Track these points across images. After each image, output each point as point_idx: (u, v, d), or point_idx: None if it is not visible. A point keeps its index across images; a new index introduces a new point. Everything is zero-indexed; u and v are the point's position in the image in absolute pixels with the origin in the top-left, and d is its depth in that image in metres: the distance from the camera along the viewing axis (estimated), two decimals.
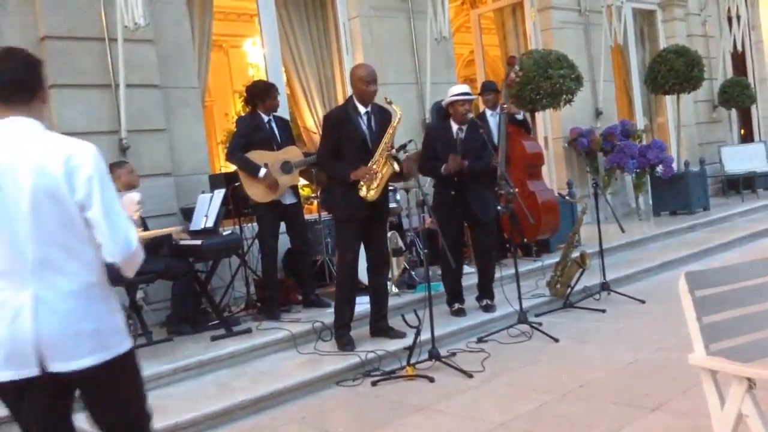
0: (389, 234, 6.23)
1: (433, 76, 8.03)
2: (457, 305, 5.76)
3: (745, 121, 13.69)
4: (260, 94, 5.87)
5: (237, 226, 6.11)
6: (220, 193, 5.40)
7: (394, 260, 6.24)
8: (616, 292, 6.28)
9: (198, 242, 5.16)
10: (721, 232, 8.85)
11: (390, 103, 5.15)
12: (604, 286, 6.32)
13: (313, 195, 7.28)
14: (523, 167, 7.23)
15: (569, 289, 6.12)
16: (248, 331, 5.28)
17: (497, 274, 5.92)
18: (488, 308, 5.77)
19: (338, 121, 5.09)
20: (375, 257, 5.20)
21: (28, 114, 2.20)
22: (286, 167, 5.75)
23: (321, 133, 5.44)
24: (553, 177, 9.44)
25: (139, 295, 5.43)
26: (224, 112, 12.11)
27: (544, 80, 7.82)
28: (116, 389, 2.26)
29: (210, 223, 5.27)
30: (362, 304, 5.36)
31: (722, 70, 12.24)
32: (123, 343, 2.25)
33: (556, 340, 5.14)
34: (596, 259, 6.47)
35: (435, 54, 8.05)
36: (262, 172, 5.61)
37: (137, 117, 5.97)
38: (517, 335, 5.34)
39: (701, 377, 2.41)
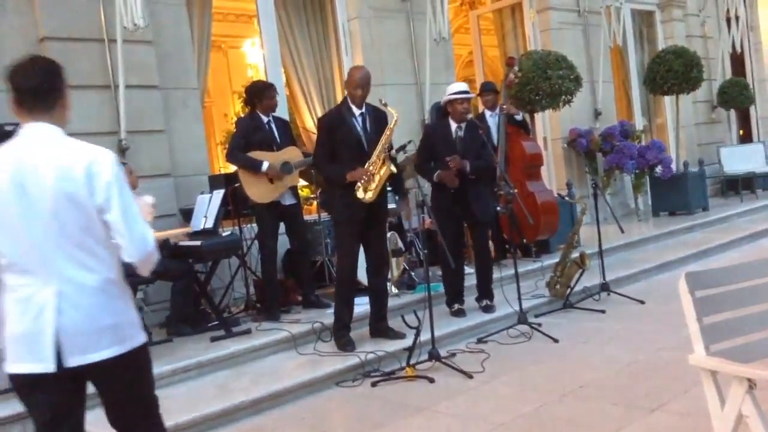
0: (389, 234, 6.23)
1: (432, 77, 8.03)
2: (456, 306, 5.76)
3: (744, 121, 13.70)
4: (258, 93, 5.88)
5: (236, 227, 6.10)
6: (219, 194, 5.40)
7: (393, 261, 6.24)
8: (615, 292, 6.29)
9: (197, 243, 5.15)
10: (720, 233, 8.86)
11: (385, 105, 5.15)
12: (604, 287, 6.33)
13: (312, 196, 7.29)
14: (522, 168, 7.24)
15: (569, 290, 6.12)
16: (248, 331, 5.28)
17: (497, 275, 5.93)
18: (488, 309, 5.77)
19: (332, 123, 5.09)
20: (374, 258, 5.20)
21: (49, 120, 2.30)
22: (286, 168, 5.75)
23: (316, 135, 5.43)
24: (553, 178, 9.45)
25: (139, 296, 5.43)
26: (223, 113, 12.11)
27: (543, 81, 7.83)
28: (131, 380, 2.37)
29: (209, 224, 5.27)
30: (362, 305, 5.36)
31: (721, 70, 12.25)
32: (138, 337, 2.37)
33: (556, 341, 5.14)
34: (596, 259, 6.47)
35: (434, 55, 8.05)
36: (265, 165, 5.61)
37: (136, 118, 5.97)
38: (517, 336, 5.34)
39: (701, 378, 2.41)
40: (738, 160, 11.60)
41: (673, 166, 9.80)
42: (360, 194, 4.93)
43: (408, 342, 4.80)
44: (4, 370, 2.30)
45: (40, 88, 2.30)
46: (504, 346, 5.18)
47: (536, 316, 5.83)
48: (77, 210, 2.22)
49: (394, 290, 6.14)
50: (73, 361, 2.22)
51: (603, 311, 5.87)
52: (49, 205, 2.20)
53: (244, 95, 6.36)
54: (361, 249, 5.20)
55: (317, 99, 7.77)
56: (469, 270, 6.36)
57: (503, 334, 5.37)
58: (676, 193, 9.92)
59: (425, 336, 4.73)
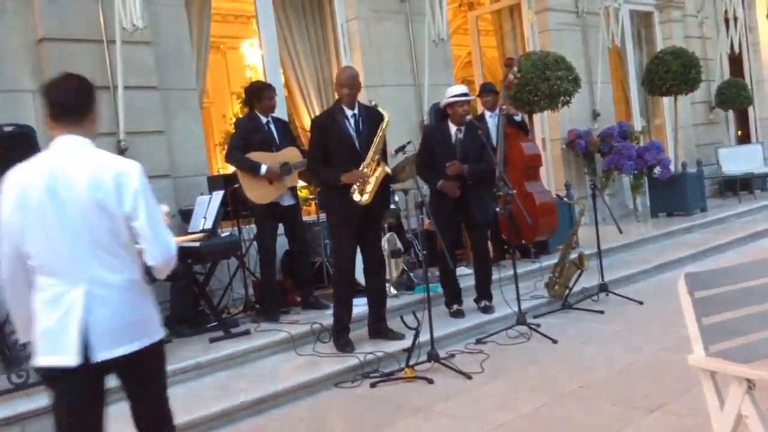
0: (388, 235, 6.24)
1: (431, 78, 8.04)
2: (455, 306, 5.76)
3: (743, 122, 13.71)
4: (256, 94, 5.89)
5: (235, 228, 6.10)
6: (218, 195, 5.39)
7: (392, 262, 6.24)
8: (614, 293, 6.29)
9: (196, 244, 5.15)
10: (719, 234, 8.87)
11: (376, 106, 5.15)
12: (603, 288, 6.33)
13: (311, 196, 7.28)
14: (521, 169, 7.24)
15: (568, 291, 6.13)
16: (247, 332, 5.28)
17: (496, 276, 5.93)
18: (487, 309, 5.77)
19: (324, 124, 5.09)
20: (371, 259, 5.20)
21: (80, 132, 2.50)
22: (285, 168, 5.75)
23: (309, 138, 5.42)
24: (551, 178, 9.46)
25: None
26: (222, 114, 12.11)
27: (542, 82, 7.84)
28: (151, 372, 2.60)
29: (208, 225, 5.27)
30: (361, 306, 5.36)
31: (719, 71, 12.26)
32: (159, 332, 2.59)
33: (555, 342, 5.15)
34: (594, 260, 6.48)
35: (433, 55, 8.05)
36: (264, 168, 5.61)
37: (135, 118, 5.97)
38: (516, 336, 5.34)
39: (700, 378, 2.42)
40: (736, 160, 11.61)
41: (672, 167, 9.81)
42: (356, 197, 4.93)
43: (407, 343, 4.80)
44: (34, 363, 2.47)
45: (72, 104, 2.50)
46: (503, 346, 5.18)
47: (535, 316, 5.83)
48: (106, 216, 2.42)
49: (393, 291, 6.14)
50: (101, 356, 2.39)
51: (602, 312, 5.88)
52: (80, 212, 2.40)
53: (244, 96, 6.35)
54: (359, 250, 5.20)
55: (316, 100, 7.77)
56: (467, 271, 6.37)
57: (502, 335, 5.37)
58: (674, 194, 9.92)
59: (424, 337, 4.73)
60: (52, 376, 2.44)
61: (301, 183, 6.63)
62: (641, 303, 6.03)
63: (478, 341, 5.32)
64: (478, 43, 10.69)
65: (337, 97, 5.23)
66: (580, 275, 6.12)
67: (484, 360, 4.85)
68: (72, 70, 2.67)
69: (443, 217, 5.45)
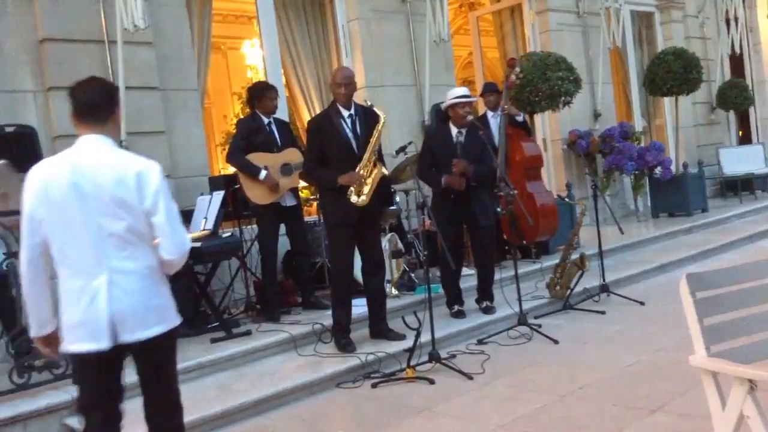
0: (389, 236, 6.24)
1: (432, 78, 8.04)
2: (456, 307, 5.76)
3: (744, 122, 13.71)
4: (258, 94, 5.89)
5: (236, 228, 6.10)
6: (219, 195, 5.39)
7: (393, 262, 6.24)
8: (615, 293, 6.29)
9: (197, 244, 5.15)
10: (720, 234, 8.87)
11: (371, 106, 5.15)
12: (604, 288, 6.33)
13: (312, 197, 7.28)
14: (522, 169, 7.24)
15: (569, 291, 6.12)
16: (248, 333, 5.28)
17: (497, 276, 5.93)
18: (488, 310, 5.77)
19: (321, 126, 5.09)
20: (370, 260, 5.20)
21: (102, 132, 2.67)
22: (286, 169, 5.75)
23: (306, 140, 5.41)
24: (552, 179, 9.46)
25: None
26: (223, 114, 12.11)
27: (543, 82, 7.83)
28: (166, 355, 2.78)
29: (209, 225, 5.27)
30: (361, 307, 5.35)
31: (720, 71, 12.26)
32: (175, 318, 2.77)
33: (556, 342, 5.15)
34: (595, 260, 6.48)
35: (434, 56, 8.06)
36: (263, 174, 5.61)
37: (136, 119, 5.97)
38: (517, 337, 5.34)
39: (702, 379, 2.42)
40: (737, 161, 11.61)
41: (673, 168, 9.81)
42: (354, 199, 4.93)
43: (408, 343, 4.80)
44: (65, 349, 2.66)
45: (97, 104, 2.66)
46: (504, 347, 5.18)
47: (536, 317, 5.83)
48: (127, 211, 2.59)
49: (394, 291, 6.15)
50: (125, 339, 2.59)
51: (603, 312, 5.87)
52: (103, 206, 2.56)
53: (246, 96, 6.36)
54: (357, 251, 5.20)
55: (317, 100, 7.77)
56: (469, 271, 6.36)
57: (503, 336, 5.37)
58: (675, 195, 9.93)
59: (425, 337, 4.73)
60: (82, 359, 2.66)
61: (302, 183, 6.63)
62: (642, 303, 6.03)
63: (480, 342, 5.32)
64: (479, 43, 10.69)
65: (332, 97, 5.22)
66: (581, 276, 6.12)
67: (485, 360, 4.84)
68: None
69: (444, 218, 5.45)
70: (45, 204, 2.56)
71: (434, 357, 4.71)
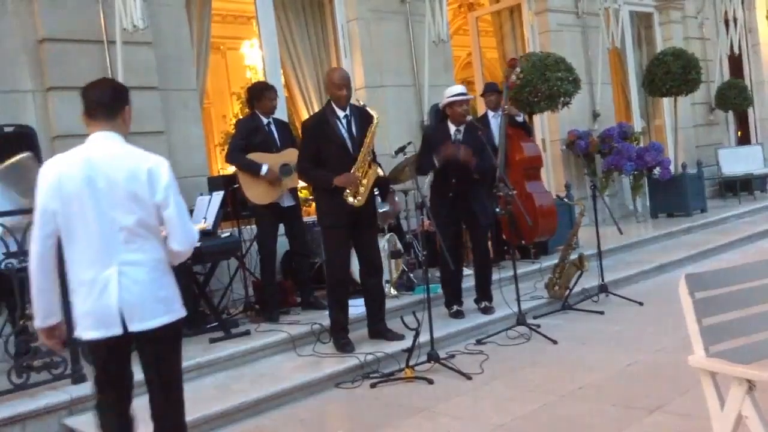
0: (388, 236, 6.24)
1: (431, 79, 8.04)
2: (455, 307, 5.76)
3: (742, 123, 13.72)
4: (257, 94, 5.90)
5: (236, 228, 6.10)
6: (218, 195, 5.40)
7: (392, 262, 6.24)
8: (614, 294, 6.29)
9: (197, 244, 5.14)
10: (719, 234, 8.87)
11: (364, 106, 5.15)
12: (603, 288, 6.34)
13: (311, 197, 7.27)
14: (521, 169, 7.24)
15: (567, 291, 6.13)
16: (247, 333, 5.28)
17: (495, 276, 5.93)
18: (487, 310, 5.77)
19: (316, 126, 5.08)
20: (367, 261, 5.19)
21: (112, 129, 2.81)
22: (285, 169, 5.75)
23: (300, 140, 5.41)
24: (551, 179, 9.46)
25: None
26: (222, 114, 12.11)
27: (542, 83, 7.83)
28: (171, 345, 2.86)
29: (209, 225, 5.27)
30: (359, 307, 5.36)
31: (719, 72, 12.27)
32: (181, 310, 2.86)
33: (555, 342, 5.15)
34: (594, 260, 6.48)
35: (433, 56, 8.06)
36: (264, 168, 5.61)
37: (135, 119, 5.80)
38: (516, 337, 5.34)
39: (701, 379, 2.42)
40: (736, 161, 11.62)
41: (672, 168, 9.81)
42: (350, 200, 4.93)
43: (407, 343, 4.80)
44: (78, 336, 2.79)
45: (107, 103, 2.81)
46: (503, 347, 5.18)
47: (535, 317, 5.83)
48: (138, 205, 2.70)
49: (393, 292, 6.15)
50: (134, 327, 2.70)
51: (602, 312, 5.88)
52: (115, 200, 2.68)
53: (245, 95, 6.37)
54: (354, 252, 5.20)
55: (316, 100, 7.77)
56: (467, 271, 6.37)
57: (502, 336, 5.37)
58: (674, 195, 9.93)
59: (424, 337, 4.73)
60: (93, 345, 2.79)
61: (301, 184, 6.63)
62: (641, 304, 6.03)
63: (478, 342, 5.32)
64: (478, 43, 10.70)
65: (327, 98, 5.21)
66: (580, 276, 6.12)
67: (484, 361, 4.84)
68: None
69: (443, 217, 5.45)
70: (59, 198, 2.66)
71: (433, 357, 4.71)
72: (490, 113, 7.22)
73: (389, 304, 5.54)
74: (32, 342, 4.15)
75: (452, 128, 5.66)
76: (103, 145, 2.76)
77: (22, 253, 4.16)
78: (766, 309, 2.58)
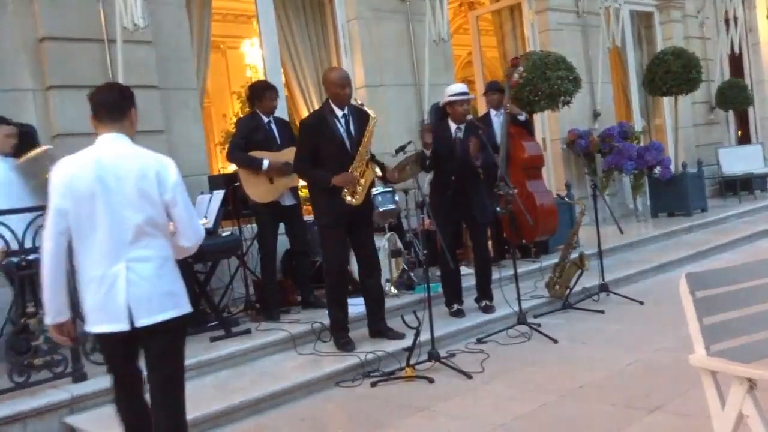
0: (388, 235, 6.24)
1: (432, 78, 8.03)
2: (456, 306, 5.76)
3: (743, 122, 13.72)
4: (257, 94, 5.89)
5: (236, 227, 6.10)
6: (219, 194, 5.39)
7: (393, 261, 6.24)
8: (614, 293, 6.30)
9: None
10: (719, 234, 8.87)
11: (361, 105, 5.15)
12: (603, 287, 6.34)
13: None
14: (522, 168, 7.24)
15: (568, 291, 6.13)
16: (247, 332, 5.28)
17: (496, 275, 5.93)
18: (487, 309, 5.77)
19: (315, 125, 5.07)
20: (365, 261, 5.19)
21: (119, 130, 2.90)
22: (286, 169, 5.74)
23: (298, 139, 5.41)
24: (552, 178, 9.46)
25: None
26: (222, 113, 12.10)
27: (542, 82, 7.83)
28: (176, 341, 2.95)
29: (209, 224, 5.27)
30: (360, 306, 5.35)
31: (720, 71, 12.26)
32: (188, 305, 2.96)
33: (555, 341, 5.15)
34: (595, 260, 6.48)
35: (433, 55, 8.05)
36: (266, 163, 5.61)
37: None
38: (516, 336, 5.34)
39: (701, 378, 2.42)
40: (736, 161, 11.61)
41: (672, 167, 9.81)
42: (348, 199, 4.93)
43: (407, 342, 4.80)
44: (87, 330, 2.89)
45: (114, 105, 2.91)
46: (503, 346, 5.18)
47: (535, 316, 5.84)
48: (147, 203, 2.80)
49: (394, 291, 6.15)
50: (142, 322, 2.78)
51: (602, 312, 5.88)
52: (125, 198, 2.77)
53: (246, 94, 6.37)
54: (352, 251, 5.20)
55: (316, 99, 7.76)
56: (468, 270, 6.37)
57: (503, 335, 5.37)
58: (674, 194, 9.93)
59: (425, 336, 4.74)
60: (102, 338, 2.91)
61: (302, 183, 6.63)
62: (642, 303, 6.03)
63: (479, 341, 5.32)
64: (479, 42, 10.69)
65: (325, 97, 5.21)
66: (580, 275, 6.12)
67: (485, 359, 4.85)
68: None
69: (443, 215, 5.45)
70: (71, 197, 2.75)
71: (433, 356, 4.72)
72: (493, 112, 7.22)
73: (390, 303, 5.54)
74: (33, 340, 4.15)
75: (452, 127, 5.67)
76: (112, 146, 2.85)
77: (23, 252, 4.17)
78: (766, 308, 2.58)
